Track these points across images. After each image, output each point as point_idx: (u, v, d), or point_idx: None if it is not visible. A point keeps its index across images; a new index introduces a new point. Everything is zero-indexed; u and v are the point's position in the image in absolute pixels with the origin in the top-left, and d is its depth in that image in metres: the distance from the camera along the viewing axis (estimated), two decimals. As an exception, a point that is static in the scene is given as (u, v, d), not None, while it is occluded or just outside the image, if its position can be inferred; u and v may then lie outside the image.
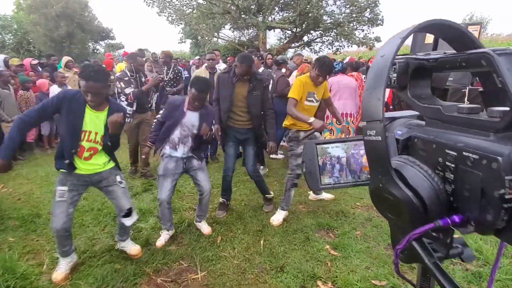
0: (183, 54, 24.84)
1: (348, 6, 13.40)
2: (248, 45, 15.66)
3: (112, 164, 2.20)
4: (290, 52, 19.10)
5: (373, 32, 14.19)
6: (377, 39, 14.03)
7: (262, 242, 2.64)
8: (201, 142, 2.64)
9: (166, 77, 5.60)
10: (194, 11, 13.39)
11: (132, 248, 2.41)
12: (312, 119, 2.78)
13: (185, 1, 13.35)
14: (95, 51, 24.53)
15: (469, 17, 31.62)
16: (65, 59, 5.31)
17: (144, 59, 7.63)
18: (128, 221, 2.22)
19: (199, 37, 16.85)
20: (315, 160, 0.63)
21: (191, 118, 2.52)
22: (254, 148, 3.08)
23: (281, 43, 16.87)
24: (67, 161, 1.98)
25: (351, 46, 14.63)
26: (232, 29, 15.51)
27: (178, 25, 14.30)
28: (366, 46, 13.99)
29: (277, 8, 14.03)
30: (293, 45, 15.51)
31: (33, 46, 20.42)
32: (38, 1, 19.01)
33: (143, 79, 3.84)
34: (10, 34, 21.44)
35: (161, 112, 2.65)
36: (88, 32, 22.19)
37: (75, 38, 20.70)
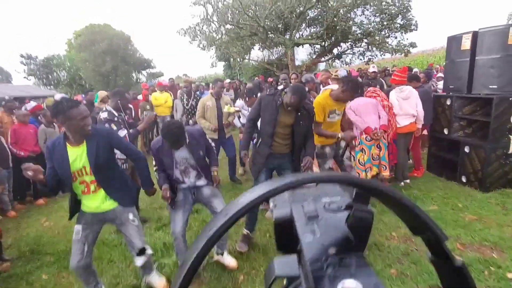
0: (217, 77, 25.87)
1: (377, 14, 12.96)
2: (276, 63, 15.80)
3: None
4: (321, 66, 18.91)
5: (407, 38, 13.51)
6: (413, 45, 13.30)
7: (285, 281, 2.48)
8: (204, 165, 2.53)
9: (188, 106, 5.81)
10: (223, 36, 13.88)
11: (158, 282, 2.41)
12: (341, 134, 3.00)
13: (214, 28, 13.92)
14: (138, 80, 26.56)
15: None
16: (102, 93, 5.09)
17: (181, 85, 8.07)
18: (139, 261, 2.21)
19: (231, 59, 17.40)
20: None
21: (180, 154, 2.39)
22: (292, 171, 2.85)
23: (311, 58, 16.76)
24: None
25: (384, 55, 14.03)
26: (261, 48, 15.78)
27: (210, 51, 14.91)
28: (401, 53, 13.31)
29: (304, 25, 14.04)
30: (322, 59, 15.30)
31: (84, 81, 22.75)
32: (87, 40, 21.29)
33: (126, 117, 3.60)
34: (64, 71, 24.26)
35: (154, 164, 2.49)
36: (131, 64, 24.19)
37: (120, 71, 22.68)
